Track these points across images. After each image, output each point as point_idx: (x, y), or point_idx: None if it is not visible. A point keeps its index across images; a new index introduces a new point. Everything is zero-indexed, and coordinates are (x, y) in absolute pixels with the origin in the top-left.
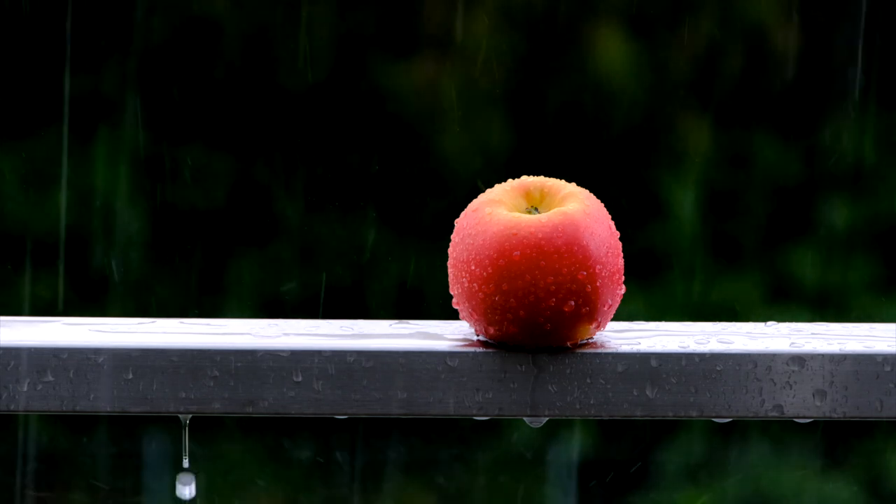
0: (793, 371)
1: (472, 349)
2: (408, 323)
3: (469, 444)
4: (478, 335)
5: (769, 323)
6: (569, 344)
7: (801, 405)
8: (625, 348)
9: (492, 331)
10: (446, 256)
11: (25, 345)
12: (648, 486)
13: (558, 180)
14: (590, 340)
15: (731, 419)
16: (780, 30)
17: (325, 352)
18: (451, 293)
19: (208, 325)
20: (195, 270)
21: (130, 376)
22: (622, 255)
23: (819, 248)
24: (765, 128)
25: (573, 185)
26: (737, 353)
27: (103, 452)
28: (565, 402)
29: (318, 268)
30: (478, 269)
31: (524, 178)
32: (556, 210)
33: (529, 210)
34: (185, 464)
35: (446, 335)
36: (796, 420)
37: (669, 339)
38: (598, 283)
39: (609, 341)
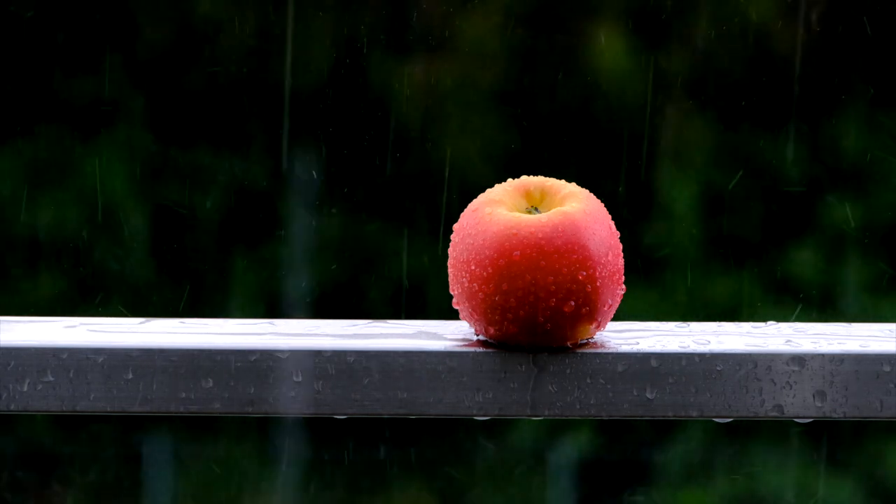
0: (793, 371)
1: (472, 349)
2: (408, 323)
3: (469, 443)
4: (478, 335)
5: (769, 323)
6: (569, 344)
7: (801, 405)
8: (625, 348)
9: (492, 331)
10: (446, 256)
11: (25, 345)
12: (648, 486)
13: (558, 180)
14: (590, 340)
15: (731, 419)
16: (781, 28)
17: (325, 352)
18: (451, 293)
19: (208, 325)
20: (196, 270)
21: (130, 376)
22: (622, 255)
23: (819, 247)
24: (765, 127)
25: (573, 185)
26: (737, 353)
27: (103, 452)
28: (565, 402)
29: (319, 268)
30: (478, 269)
31: (524, 177)
32: (556, 210)
33: (529, 210)
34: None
35: (446, 335)
36: (796, 420)
37: (669, 339)
38: (598, 283)
39: (609, 341)
